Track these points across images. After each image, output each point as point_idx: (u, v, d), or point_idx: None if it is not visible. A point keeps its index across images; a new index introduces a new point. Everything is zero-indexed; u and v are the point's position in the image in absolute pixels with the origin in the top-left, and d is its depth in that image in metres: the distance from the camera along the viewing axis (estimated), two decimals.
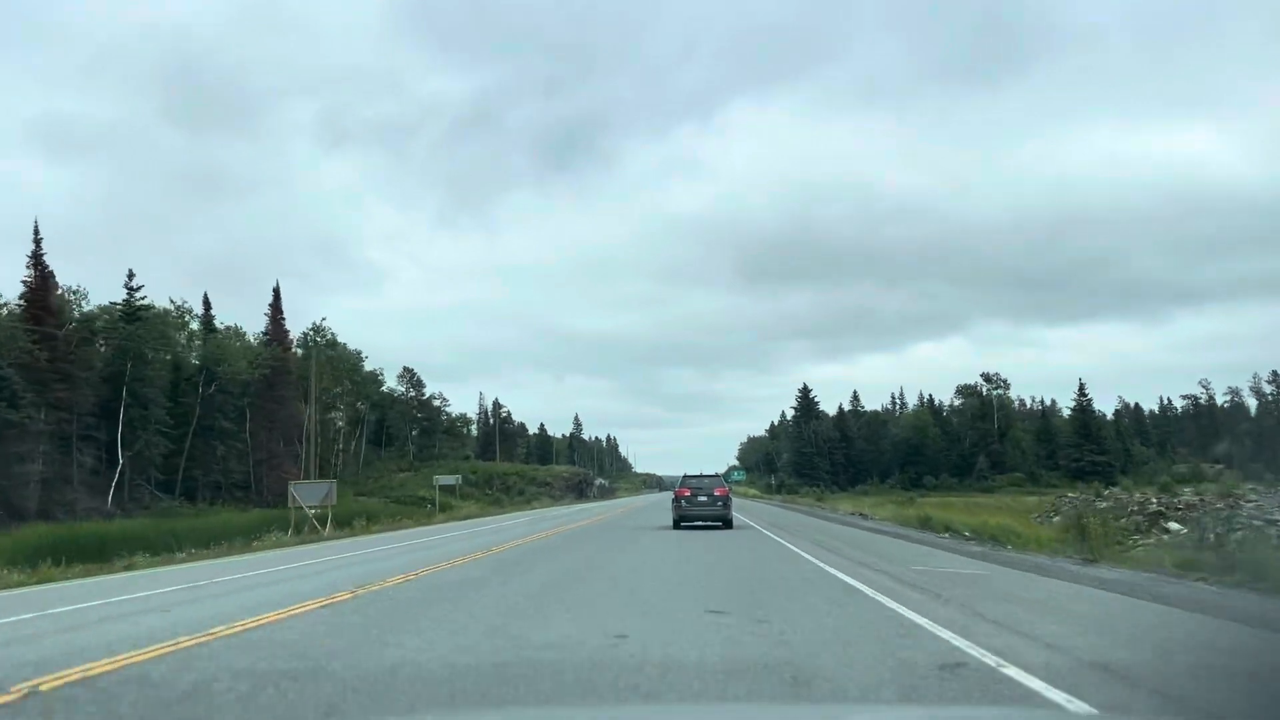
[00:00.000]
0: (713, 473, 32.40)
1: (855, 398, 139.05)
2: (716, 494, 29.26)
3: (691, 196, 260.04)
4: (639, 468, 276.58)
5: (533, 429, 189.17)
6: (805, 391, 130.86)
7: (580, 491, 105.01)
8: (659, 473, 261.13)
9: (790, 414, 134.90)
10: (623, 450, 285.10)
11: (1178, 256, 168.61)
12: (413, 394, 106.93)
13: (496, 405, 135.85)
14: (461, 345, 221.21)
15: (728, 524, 28.80)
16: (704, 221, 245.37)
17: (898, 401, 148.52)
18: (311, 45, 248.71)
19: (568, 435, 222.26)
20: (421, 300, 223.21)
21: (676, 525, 29.05)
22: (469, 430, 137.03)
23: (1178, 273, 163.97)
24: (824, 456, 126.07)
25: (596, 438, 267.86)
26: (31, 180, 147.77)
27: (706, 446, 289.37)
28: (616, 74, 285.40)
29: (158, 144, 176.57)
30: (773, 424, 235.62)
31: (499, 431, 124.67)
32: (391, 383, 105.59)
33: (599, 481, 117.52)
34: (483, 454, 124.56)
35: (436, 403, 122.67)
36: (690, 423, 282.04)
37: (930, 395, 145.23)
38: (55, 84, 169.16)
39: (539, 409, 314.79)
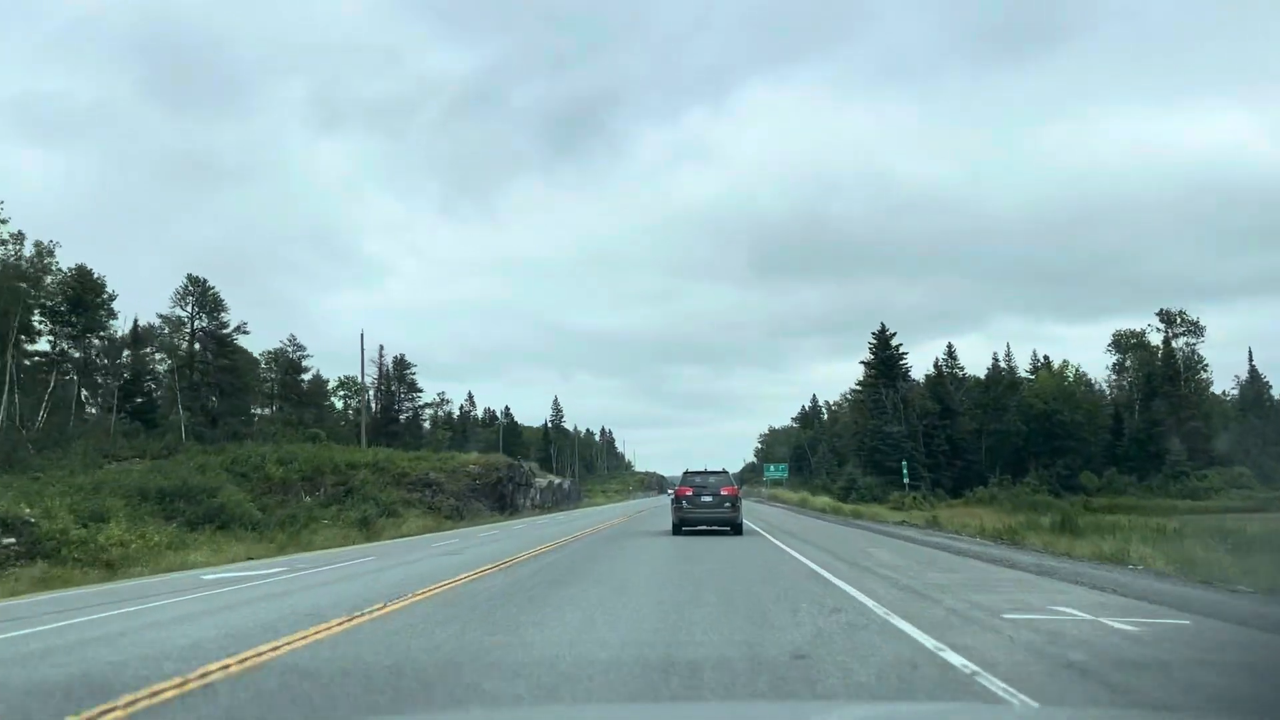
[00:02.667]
0: (719, 468, 26.74)
1: (950, 353, 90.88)
2: (723, 493, 25.06)
3: (702, 185, 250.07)
4: (641, 466, 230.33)
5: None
6: (884, 339, 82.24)
7: (503, 500, 57.24)
8: (663, 472, 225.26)
9: (818, 404, 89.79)
10: (620, 446, 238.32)
11: (1206, 251, 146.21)
12: (203, 325, 59.39)
13: (401, 364, 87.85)
14: (465, 343, 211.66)
15: (737, 529, 24.88)
16: (715, 212, 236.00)
17: (1002, 365, 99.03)
18: (300, 16, 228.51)
19: (541, 426, 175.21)
20: (424, 296, 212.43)
21: (677, 530, 25.27)
22: (354, 403, 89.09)
23: (1206, 268, 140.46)
24: (916, 440, 77.81)
25: (589, 430, 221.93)
26: (14, 166, 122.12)
27: (716, 445, 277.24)
28: (626, 49, 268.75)
29: (142, 126, 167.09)
30: (804, 408, 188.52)
31: (368, 409, 76.63)
32: (161, 306, 58.42)
33: (545, 482, 69.12)
34: (376, 436, 77.18)
35: (293, 354, 75.19)
36: (698, 422, 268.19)
37: (1044, 355, 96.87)
38: (35, 62, 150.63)
39: (545, 408, 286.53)
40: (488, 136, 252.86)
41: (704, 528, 25.19)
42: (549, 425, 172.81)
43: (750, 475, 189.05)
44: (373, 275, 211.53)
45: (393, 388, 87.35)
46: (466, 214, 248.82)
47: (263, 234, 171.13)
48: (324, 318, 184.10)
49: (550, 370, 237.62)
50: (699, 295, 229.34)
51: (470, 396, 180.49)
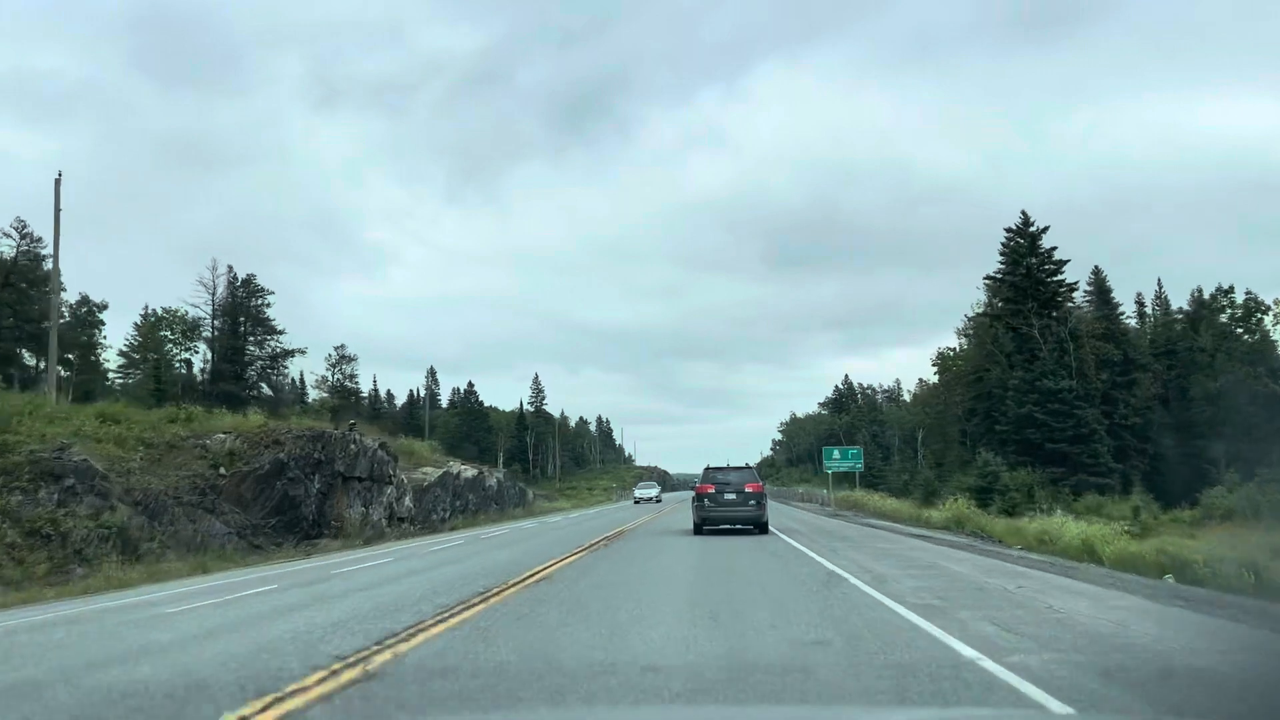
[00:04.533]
0: (741, 464, 25.47)
1: (1100, 280, 57.67)
2: (748, 490, 23.32)
3: (714, 174, 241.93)
4: (644, 461, 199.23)
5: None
6: (1027, 239, 48.98)
7: (295, 511, 25.14)
8: (670, 469, 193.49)
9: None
10: (620, 438, 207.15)
11: (1234, 244, 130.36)
12: None
13: (250, 290, 55.26)
14: (469, 336, 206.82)
15: (762, 528, 23.06)
16: (726, 202, 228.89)
17: (1149, 308, 64.79)
18: None
19: (515, 411, 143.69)
20: (428, 287, 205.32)
21: (698, 530, 23.31)
22: (181, 352, 56.80)
23: (1232, 262, 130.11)
24: (1093, 404, 45.45)
25: (583, 419, 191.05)
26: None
27: (726, 443, 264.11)
28: (637, 25, 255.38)
29: (134, 105, 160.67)
30: (837, 390, 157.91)
31: (55, 327, 44.15)
32: None
33: (436, 474, 36.23)
34: (210, 398, 45.18)
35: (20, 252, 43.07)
36: (708, 419, 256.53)
37: (1230, 283, 63.46)
38: (22, 38, 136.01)
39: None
40: (493, 119, 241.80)
41: (726, 527, 23.43)
42: (524, 409, 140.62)
43: (770, 471, 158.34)
44: (374, 264, 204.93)
45: (239, 324, 55.13)
46: (472, 201, 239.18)
47: (261, 219, 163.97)
48: (325, 309, 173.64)
49: (557, 365, 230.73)
50: (709, 289, 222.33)
51: (432, 373, 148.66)
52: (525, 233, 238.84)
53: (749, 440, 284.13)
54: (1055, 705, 4.85)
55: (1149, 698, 5.14)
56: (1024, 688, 5.21)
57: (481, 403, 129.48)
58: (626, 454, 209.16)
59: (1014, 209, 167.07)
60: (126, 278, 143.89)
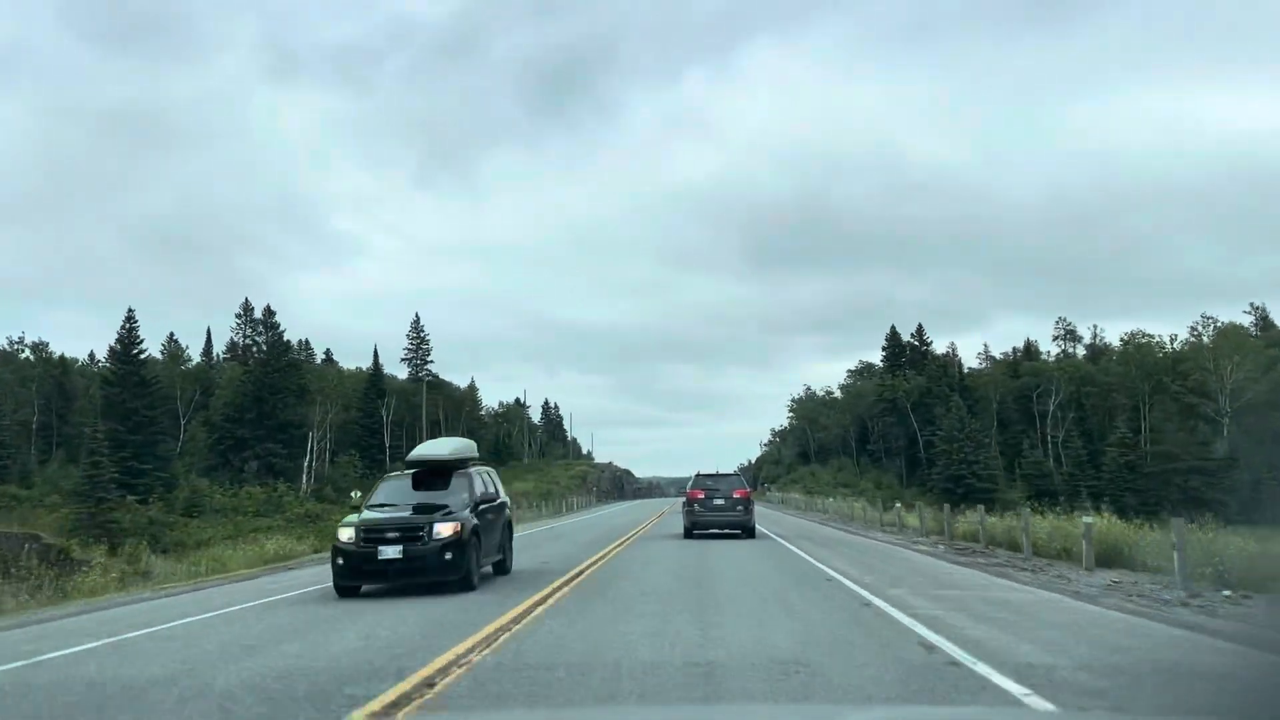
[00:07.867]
0: (730, 470, 27.83)
1: None
2: (736, 496, 25.09)
3: (697, 162, 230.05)
4: (604, 458, 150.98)
5: None
6: None
7: None
8: (643, 473, 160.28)
9: None
10: (570, 428, 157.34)
11: (1241, 243, 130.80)
12: None
13: None
14: (443, 333, 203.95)
15: (749, 532, 24.75)
16: (710, 194, 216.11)
17: None
18: None
19: (369, 370, 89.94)
20: (399, 281, 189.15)
21: (688, 534, 24.80)
22: None
23: (1230, 263, 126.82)
24: None
25: (518, 401, 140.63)
26: None
27: (707, 448, 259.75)
28: None
29: (72, 73, 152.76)
30: (890, 343, 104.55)
31: None
32: None
33: None
34: None
35: None
36: (689, 423, 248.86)
37: None
38: None
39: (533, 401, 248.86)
40: (465, 97, 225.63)
41: (716, 531, 25.00)
42: (380, 368, 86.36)
43: (777, 472, 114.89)
44: (343, 255, 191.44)
45: None
46: (444, 187, 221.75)
47: (212, 200, 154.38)
48: (288, 302, 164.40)
49: (532, 365, 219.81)
50: (691, 288, 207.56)
51: (247, 309, 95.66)
52: (499, 223, 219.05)
53: (733, 443, 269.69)
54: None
55: None
56: None
57: (289, 344, 75.02)
58: (584, 450, 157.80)
59: (1003, 205, 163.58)
60: (69, 266, 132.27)
